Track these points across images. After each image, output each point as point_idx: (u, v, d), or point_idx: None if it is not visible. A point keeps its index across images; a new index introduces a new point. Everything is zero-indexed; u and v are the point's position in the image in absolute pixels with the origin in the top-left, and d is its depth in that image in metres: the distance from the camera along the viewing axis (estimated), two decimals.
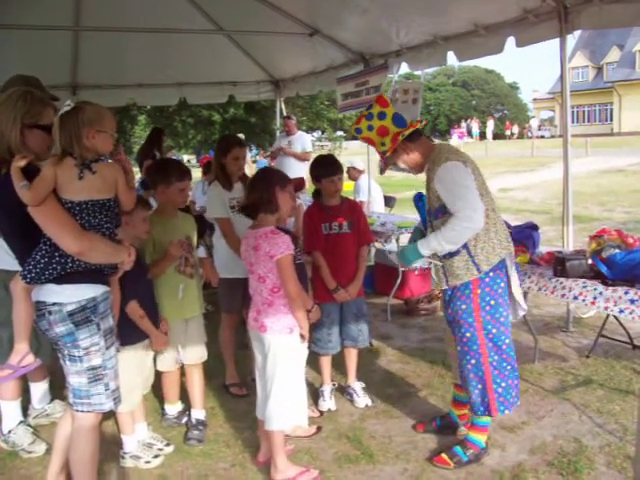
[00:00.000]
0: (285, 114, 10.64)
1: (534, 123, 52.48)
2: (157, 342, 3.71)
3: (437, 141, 3.90)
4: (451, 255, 3.50)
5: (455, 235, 3.38)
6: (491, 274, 3.48)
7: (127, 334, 3.49)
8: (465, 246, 3.44)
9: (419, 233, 3.90)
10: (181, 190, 3.90)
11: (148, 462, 3.72)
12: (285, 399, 3.42)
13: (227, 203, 4.47)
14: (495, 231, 3.49)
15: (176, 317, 3.89)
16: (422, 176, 3.73)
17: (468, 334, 3.54)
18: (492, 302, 3.49)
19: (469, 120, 48.65)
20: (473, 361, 3.56)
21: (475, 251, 3.44)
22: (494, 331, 3.50)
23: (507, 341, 3.54)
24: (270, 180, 3.43)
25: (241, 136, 17.16)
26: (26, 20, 6.51)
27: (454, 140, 38.64)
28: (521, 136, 50.90)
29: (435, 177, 3.44)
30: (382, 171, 3.83)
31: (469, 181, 3.39)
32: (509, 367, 3.57)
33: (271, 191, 3.37)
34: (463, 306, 3.53)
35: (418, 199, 3.88)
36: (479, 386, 3.58)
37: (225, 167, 4.50)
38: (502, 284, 3.53)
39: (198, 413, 4.10)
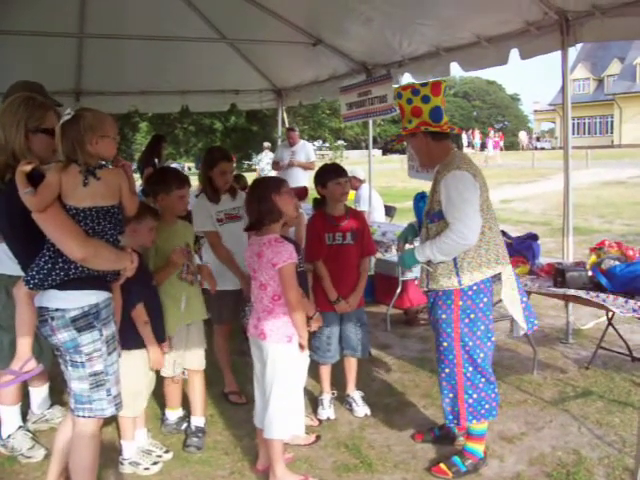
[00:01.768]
0: (287, 124, 10.67)
1: (523, 135, 52.35)
2: (153, 359, 3.68)
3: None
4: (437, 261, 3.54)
5: (447, 248, 3.42)
6: (475, 288, 3.50)
7: (134, 337, 3.53)
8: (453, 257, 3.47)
9: (412, 230, 4.00)
10: (181, 197, 3.94)
11: (147, 469, 3.73)
12: (284, 407, 3.42)
13: (214, 216, 4.48)
14: (486, 249, 3.49)
15: (179, 324, 3.90)
16: (421, 187, 3.74)
17: (445, 344, 3.58)
18: (472, 315, 3.52)
19: (470, 131, 48.49)
20: (447, 370, 3.61)
21: (461, 264, 3.47)
22: (470, 344, 3.53)
23: (482, 355, 3.56)
24: (264, 190, 3.43)
25: (267, 145, 16.76)
26: (31, 26, 6.54)
27: (489, 150, 36.89)
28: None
29: (442, 181, 3.46)
30: (393, 141, 3.88)
31: (473, 195, 3.40)
32: (483, 380, 3.59)
33: (269, 200, 3.37)
34: (443, 315, 3.56)
35: (419, 198, 3.91)
36: (450, 395, 3.63)
37: (212, 180, 4.51)
38: (485, 299, 3.55)
39: (198, 420, 4.10)
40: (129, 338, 3.42)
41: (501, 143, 41.87)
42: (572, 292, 4.21)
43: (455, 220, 3.36)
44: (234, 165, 4.67)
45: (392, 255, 6.89)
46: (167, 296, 3.82)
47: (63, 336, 2.81)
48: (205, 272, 4.13)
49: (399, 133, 3.75)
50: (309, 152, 9.87)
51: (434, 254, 3.47)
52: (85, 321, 2.81)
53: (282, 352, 3.41)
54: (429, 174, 6.63)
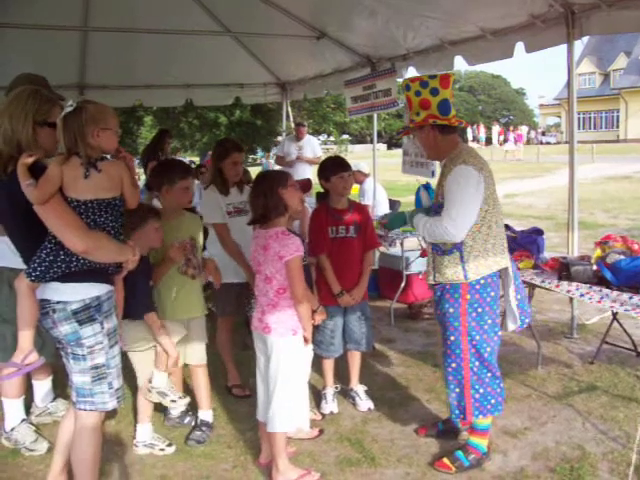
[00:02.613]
0: (292, 118, 10.67)
1: (524, 130, 51.97)
2: (171, 362, 3.73)
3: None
4: (443, 253, 3.53)
5: (434, 234, 3.47)
6: (482, 282, 3.49)
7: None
8: (459, 249, 3.46)
9: (400, 219, 3.99)
10: (185, 188, 3.89)
11: (162, 450, 3.86)
12: (288, 401, 3.41)
13: (224, 208, 4.46)
14: (493, 244, 3.49)
15: (176, 317, 3.87)
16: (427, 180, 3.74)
17: (452, 337, 3.57)
18: (479, 309, 3.51)
19: (475, 126, 48.19)
20: (454, 364, 3.60)
21: (468, 257, 3.46)
22: (477, 338, 3.52)
23: (488, 349, 3.56)
24: (270, 184, 3.41)
25: (282, 139, 16.60)
26: (35, 20, 6.54)
27: (509, 144, 34.91)
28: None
29: (449, 175, 3.45)
30: (400, 133, 4.08)
31: (474, 192, 3.37)
32: (489, 374, 3.58)
33: (275, 194, 3.35)
34: (451, 309, 3.55)
35: (423, 188, 3.93)
36: (457, 390, 3.62)
37: (222, 172, 4.49)
38: (492, 293, 3.54)
39: (204, 414, 4.11)
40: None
41: (524, 137, 39.01)
42: (576, 295, 4.19)
43: (447, 216, 3.36)
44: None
45: (396, 249, 6.88)
46: (164, 288, 3.80)
47: (65, 329, 2.81)
48: (211, 266, 4.10)
49: (406, 125, 3.73)
50: (315, 146, 9.89)
51: (424, 231, 3.54)
52: (86, 314, 2.81)
53: (287, 346, 3.40)
54: (424, 169, 6.67)
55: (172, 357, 3.69)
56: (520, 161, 30.96)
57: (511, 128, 39.83)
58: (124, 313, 3.32)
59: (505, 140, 38.13)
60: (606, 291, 3.99)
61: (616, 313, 4.95)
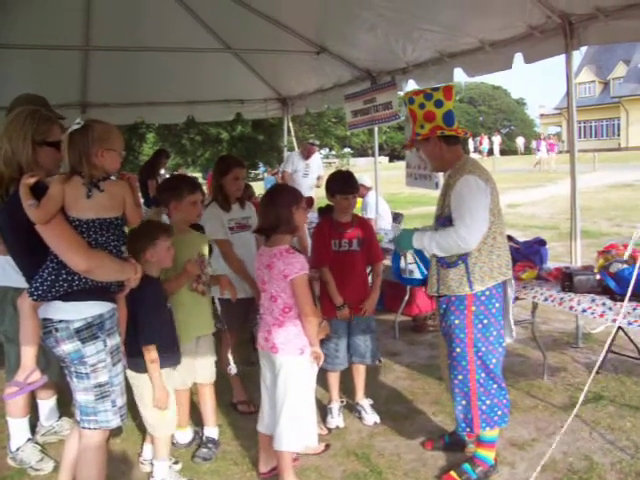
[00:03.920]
0: (293, 133, 10.70)
1: (520, 141, 51.96)
2: (158, 397, 3.48)
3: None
4: (448, 266, 3.53)
5: (446, 247, 3.44)
6: (487, 293, 3.49)
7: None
8: (464, 261, 3.46)
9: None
10: (193, 203, 3.87)
11: (169, 467, 3.72)
12: (296, 420, 3.41)
13: (226, 224, 4.46)
14: (498, 255, 3.50)
15: (188, 335, 3.83)
16: (428, 194, 3.73)
17: (458, 349, 3.56)
18: (485, 321, 3.51)
19: (479, 138, 48.15)
20: (460, 377, 3.58)
21: (473, 269, 3.46)
22: (483, 349, 3.52)
23: (494, 361, 3.55)
24: (286, 198, 3.43)
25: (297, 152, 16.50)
26: (37, 40, 6.58)
27: (542, 152, 32.94)
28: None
29: (454, 186, 3.46)
30: (404, 147, 4.31)
31: (482, 201, 3.39)
32: (495, 386, 3.57)
33: (289, 211, 3.37)
34: (456, 321, 3.55)
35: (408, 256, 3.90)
36: (463, 402, 3.60)
37: (224, 188, 4.50)
38: (497, 304, 3.54)
39: (210, 431, 4.08)
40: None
41: (557, 147, 35.32)
42: (579, 310, 4.16)
43: (460, 224, 3.36)
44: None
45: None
46: (176, 306, 3.78)
47: (67, 347, 2.82)
48: (225, 282, 4.07)
49: (412, 139, 3.73)
50: (320, 166, 9.93)
51: (431, 246, 3.50)
52: (89, 332, 2.81)
53: (294, 365, 3.40)
54: (427, 181, 6.66)
55: (158, 399, 3.48)
56: (555, 171, 30.32)
57: (542, 136, 38.22)
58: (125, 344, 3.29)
59: (491, 151, 36.39)
60: (609, 304, 3.94)
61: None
